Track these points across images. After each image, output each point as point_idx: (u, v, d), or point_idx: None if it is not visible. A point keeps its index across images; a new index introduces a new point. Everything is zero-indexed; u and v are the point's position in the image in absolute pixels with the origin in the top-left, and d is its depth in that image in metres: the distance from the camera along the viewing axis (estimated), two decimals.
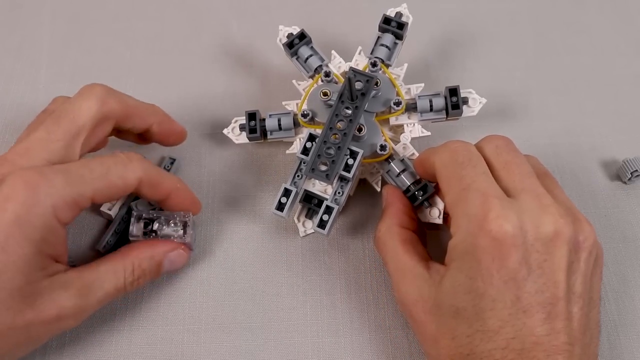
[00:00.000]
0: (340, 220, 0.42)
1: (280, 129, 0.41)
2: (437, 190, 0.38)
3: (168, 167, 0.43)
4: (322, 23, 0.51)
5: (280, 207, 0.37)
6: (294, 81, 0.43)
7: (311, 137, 0.37)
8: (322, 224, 0.37)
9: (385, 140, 0.40)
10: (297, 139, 0.42)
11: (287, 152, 0.42)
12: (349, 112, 0.38)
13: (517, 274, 0.30)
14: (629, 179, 0.43)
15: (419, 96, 0.41)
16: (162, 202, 0.37)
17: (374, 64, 0.40)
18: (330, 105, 0.39)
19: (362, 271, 0.40)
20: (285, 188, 0.37)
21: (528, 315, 0.29)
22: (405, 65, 0.43)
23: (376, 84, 0.39)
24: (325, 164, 0.36)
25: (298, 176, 0.38)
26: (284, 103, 0.43)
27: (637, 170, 0.42)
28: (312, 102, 0.41)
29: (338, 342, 0.37)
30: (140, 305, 0.39)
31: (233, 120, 0.42)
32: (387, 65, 0.41)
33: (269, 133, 0.41)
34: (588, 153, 0.45)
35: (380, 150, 0.39)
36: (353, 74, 0.38)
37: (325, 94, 0.39)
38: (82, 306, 0.33)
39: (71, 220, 0.33)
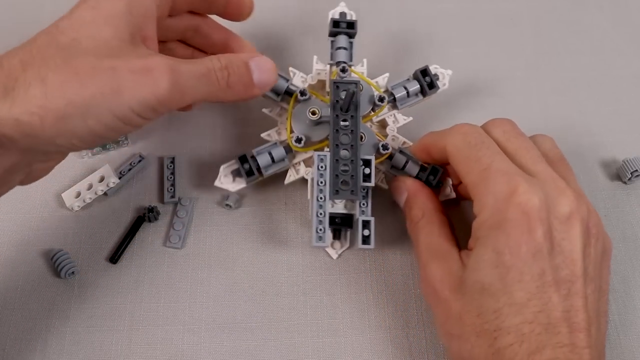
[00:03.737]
0: None
1: (273, 161, 0.39)
2: (444, 170, 0.39)
3: (169, 166, 0.43)
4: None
5: (321, 238, 0.36)
6: (263, 110, 0.42)
7: (321, 160, 0.36)
8: (366, 240, 0.37)
9: (379, 138, 0.40)
10: (292, 167, 0.40)
11: (286, 182, 0.41)
12: (347, 123, 0.38)
13: (542, 248, 0.30)
14: (629, 179, 0.43)
15: (392, 87, 0.41)
16: None
17: (343, 70, 0.39)
18: (319, 123, 0.39)
19: (362, 271, 0.40)
20: (318, 220, 0.36)
21: (553, 290, 0.30)
22: (365, 60, 0.43)
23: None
24: (346, 182, 0.36)
25: (321, 199, 0.36)
26: (263, 135, 0.41)
27: (637, 170, 0.42)
28: (296, 125, 0.39)
29: (338, 342, 0.37)
30: (140, 305, 0.39)
31: (221, 170, 0.39)
32: (350, 66, 0.41)
33: (263, 170, 0.39)
34: (588, 153, 0.45)
35: (383, 150, 0.39)
36: (336, 86, 0.38)
37: (314, 113, 0.38)
38: (174, 69, 0.30)
39: (153, 10, 0.33)
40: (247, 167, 0.39)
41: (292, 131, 0.39)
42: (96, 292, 0.39)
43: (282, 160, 0.39)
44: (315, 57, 0.43)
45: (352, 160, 0.37)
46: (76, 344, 0.37)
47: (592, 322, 0.30)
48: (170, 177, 0.43)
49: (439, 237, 0.35)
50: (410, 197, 0.38)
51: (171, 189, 0.42)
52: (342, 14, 0.42)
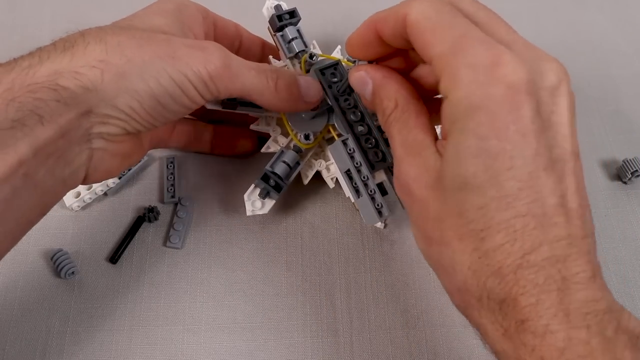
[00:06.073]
0: (341, 220, 0.42)
1: (290, 167, 0.39)
2: None
3: (169, 166, 0.43)
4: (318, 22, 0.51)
5: (381, 213, 0.37)
6: (251, 127, 0.41)
7: (344, 144, 0.37)
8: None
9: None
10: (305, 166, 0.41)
11: (306, 183, 0.41)
12: (349, 101, 0.38)
13: (534, 126, 0.25)
14: (629, 179, 0.43)
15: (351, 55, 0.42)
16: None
17: (311, 56, 0.40)
18: (315, 115, 0.39)
19: (362, 271, 0.40)
20: (370, 197, 0.37)
21: (548, 173, 0.25)
22: (339, 46, 0.43)
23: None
24: (376, 154, 0.37)
25: (365, 178, 0.37)
26: (262, 150, 0.40)
27: (637, 170, 0.42)
28: (293, 125, 0.39)
29: (338, 342, 0.37)
30: (140, 305, 0.39)
31: (246, 199, 0.39)
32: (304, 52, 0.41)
33: (285, 179, 0.39)
34: (588, 153, 0.45)
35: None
36: (322, 73, 0.38)
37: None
38: (227, 53, 0.33)
39: (200, 20, 0.37)
40: (273, 183, 0.38)
41: (294, 132, 0.39)
42: (96, 292, 0.39)
43: (297, 163, 0.39)
44: (270, 57, 0.42)
45: (369, 132, 0.37)
46: (76, 344, 0.37)
47: (585, 206, 0.26)
48: (170, 177, 0.43)
49: (414, 129, 0.30)
50: (377, 86, 0.32)
51: (171, 189, 0.42)
52: (278, 7, 0.41)
